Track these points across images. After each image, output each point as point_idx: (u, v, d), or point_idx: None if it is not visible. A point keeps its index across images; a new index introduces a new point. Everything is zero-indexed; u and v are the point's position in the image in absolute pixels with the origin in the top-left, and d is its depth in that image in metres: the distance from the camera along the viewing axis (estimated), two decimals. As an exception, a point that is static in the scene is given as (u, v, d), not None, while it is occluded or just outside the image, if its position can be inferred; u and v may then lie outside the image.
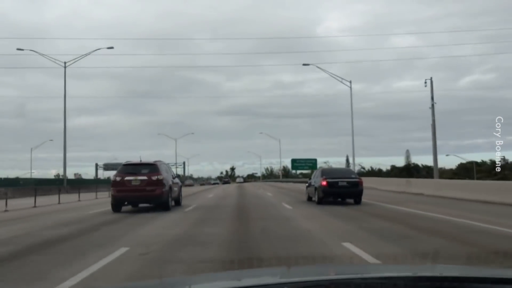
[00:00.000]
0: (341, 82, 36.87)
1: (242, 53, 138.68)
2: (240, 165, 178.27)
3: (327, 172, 16.97)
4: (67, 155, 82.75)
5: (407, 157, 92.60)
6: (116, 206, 13.27)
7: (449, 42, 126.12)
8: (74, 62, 39.61)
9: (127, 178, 13.19)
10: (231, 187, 47.94)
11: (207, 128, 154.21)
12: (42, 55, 38.18)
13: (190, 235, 8.26)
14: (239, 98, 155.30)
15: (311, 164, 66.39)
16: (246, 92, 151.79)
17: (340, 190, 16.50)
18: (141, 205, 14.18)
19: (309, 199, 18.16)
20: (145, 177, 13.01)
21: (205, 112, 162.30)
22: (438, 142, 33.91)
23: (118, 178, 13.50)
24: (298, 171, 79.56)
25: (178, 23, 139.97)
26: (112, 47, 39.40)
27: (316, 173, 17.67)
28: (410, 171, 74.02)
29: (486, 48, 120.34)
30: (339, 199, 16.85)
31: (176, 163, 69.16)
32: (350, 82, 37.53)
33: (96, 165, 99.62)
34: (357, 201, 16.33)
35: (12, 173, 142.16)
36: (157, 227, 9.78)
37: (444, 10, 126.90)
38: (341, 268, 2.55)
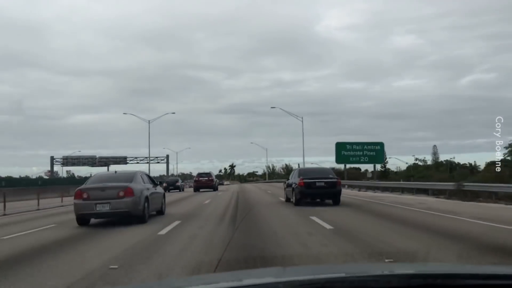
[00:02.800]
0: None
1: (241, 51, 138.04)
2: (240, 163, 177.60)
3: (304, 172, 16.48)
4: (64, 152, 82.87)
5: (435, 153, 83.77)
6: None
7: (449, 41, 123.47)
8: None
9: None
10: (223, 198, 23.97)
11: (207, 126, 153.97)
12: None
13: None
14: (238, 97, 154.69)
15: (375, 150, 40.27)
16: (246, 90, 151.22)
17: (318, 190, 16.27)
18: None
19: (288, 200, 17.92)
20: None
21: (204, 110, 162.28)
22: (437, 142, 33.52)
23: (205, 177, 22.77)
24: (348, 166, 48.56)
25: (177, 21, 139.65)
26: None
27: (294, 173, 17.22)
28: (438, 168, 66.68)
29: (486, 47, 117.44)
30: (318, 200, 16.67)
31: (149, 157, 60.05)
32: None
33: (52, 159, 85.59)
34: (336, 201, 15.94)
35: (12, 171, 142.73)
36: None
37: (444, 8, 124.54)
38: (336, 268, 2.59)
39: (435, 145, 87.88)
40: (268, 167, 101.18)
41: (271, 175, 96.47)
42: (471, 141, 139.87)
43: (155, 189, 13.61)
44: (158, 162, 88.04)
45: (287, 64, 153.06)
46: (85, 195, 11.59)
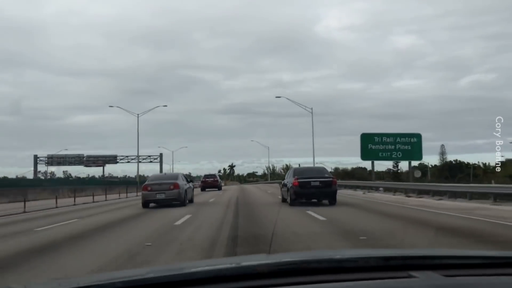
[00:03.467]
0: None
1: (240, 51, 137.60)
2: (240, 164, 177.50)
3: (299, 172, 16.52)
4: (64, 153, 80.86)
5: (442, 153, 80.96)
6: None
7: (449, 41, 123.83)
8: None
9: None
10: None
11: (206, 127, 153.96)
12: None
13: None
14: (238, 97, 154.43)
15: (410, 143, 34.33)
16: (245, 91, 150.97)
17: (313, 190, 16.61)
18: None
19: (284, 200, 18.40)
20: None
21: (204, 110, 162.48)
22: (437, 143, 32.46)
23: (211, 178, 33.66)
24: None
25: (175, 20, 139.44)
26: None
27: (289, 173, 17.15)
28: (452, 170, 61.88)
29: (487, 48, 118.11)
30: (314, 200, 16.97)
31: (138, 155, 54.45)
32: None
33: (35, 157, 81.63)
34: (331, 201, 15.93)
35: (11, 171, 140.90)
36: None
37: (444, 8, 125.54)
38: (318, 253, 2.61)
39: (442, 145, 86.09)
40: (269, 167, 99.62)
41: (271, 175, 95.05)
42: (471, 142, 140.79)
43: (189, 185, 20.01)
44: (151, 161, 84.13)
45: (286, 64, 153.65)
46: (149, 188, 18.07)
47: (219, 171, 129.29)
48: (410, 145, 33.94)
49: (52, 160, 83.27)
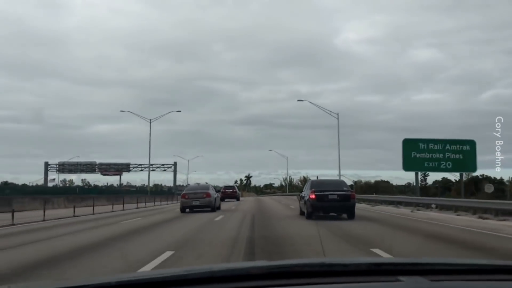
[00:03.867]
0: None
1: (259, 62, 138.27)
2: (257, 175, 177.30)
3: (316, 184, 16.35)
4: (76, 160, 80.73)
5: None
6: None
7: (470, 55, 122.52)
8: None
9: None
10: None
11: (224, 137, 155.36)
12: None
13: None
14: (255, 108, 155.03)
15: (462, 151, 29.96)
16: (263, 102, 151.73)
17: (330, 203, 16.58)
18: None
19: (302, 213, 18.44)
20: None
21: (222, 121, 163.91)
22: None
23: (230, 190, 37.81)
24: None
25: (195, 32, 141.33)
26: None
27: (307, 185, 16.97)
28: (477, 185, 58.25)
29: (508, 62, 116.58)
30: (332, 214, 16.94)
31: (149, 163, 57.14)
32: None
33: (46, 164, 79.91)
34: (350, 216, 16.12)
35: (28, 178, 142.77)
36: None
37: (465, 21, 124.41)
38: (317, 259, 2.78)
39: None
40: (286, 178, 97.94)
41: (289, 187, 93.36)
42: (491, 157, 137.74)
43: (217, 195, 24.51)
44: (164, 170, 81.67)
45: (304, 76, 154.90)
46: (186, 196, 22.17)
47: (236, 182, 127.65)
48: (462, 153, 29.62)
49: (64, 167, 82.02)
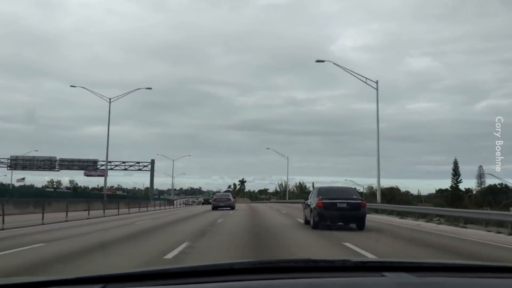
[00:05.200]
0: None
1: (255, 67, 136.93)
2: (251, 180, 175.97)
3: (324, 192, 15.51)
4: (32, 154, 74.46)
5: (480, 176, 72.80)
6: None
7: (465, 65, 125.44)
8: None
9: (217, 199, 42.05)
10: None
11: (219, 142, 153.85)
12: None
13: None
14: (251, 114, 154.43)
15: None
16: (258, 107, 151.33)
17: (339, 212, 15.93)
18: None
19: (307, 222, 18.13)
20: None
21: (217, 126, 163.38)
22: (449, 167, 30.92)
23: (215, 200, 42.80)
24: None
25: (191, 35, 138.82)
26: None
27: (313, 192, 16.00)
28: (496, 195, 57.38)
29: (504, 72, 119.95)
30: (340, 223, 16.59)
31: (107, 160, 49.36)
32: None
33: None
34: (360, 226, 16.50)
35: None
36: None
37: (461, 31, 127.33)
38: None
39: (480, 166, 77.54)
40: (286, 183, 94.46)
41: (285, 193, 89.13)
42: (486, 168, 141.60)
43: (233, 199, 41.68)
44: (139, 169, 70.90)
45: (300, 82, 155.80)
46: (216, 200, 39.82)
47: (229, 187, 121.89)
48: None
49: (16, 163, 70.88)
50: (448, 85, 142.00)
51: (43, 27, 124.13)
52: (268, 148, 70.78)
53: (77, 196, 46.23)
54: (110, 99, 43.46)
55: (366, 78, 32.31)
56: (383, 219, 23.50)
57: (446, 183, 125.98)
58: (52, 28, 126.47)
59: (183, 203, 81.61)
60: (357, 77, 32.04)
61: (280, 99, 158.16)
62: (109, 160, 63.09)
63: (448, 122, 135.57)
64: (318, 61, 32.72)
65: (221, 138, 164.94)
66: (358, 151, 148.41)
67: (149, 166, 68.72)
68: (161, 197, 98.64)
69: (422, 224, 20.26)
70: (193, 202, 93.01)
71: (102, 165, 70.21)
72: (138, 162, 69.72)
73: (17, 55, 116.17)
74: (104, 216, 25.99)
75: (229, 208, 35.78)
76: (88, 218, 23.03)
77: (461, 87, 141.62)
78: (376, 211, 29.39)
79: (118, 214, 29.22)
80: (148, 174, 68.42)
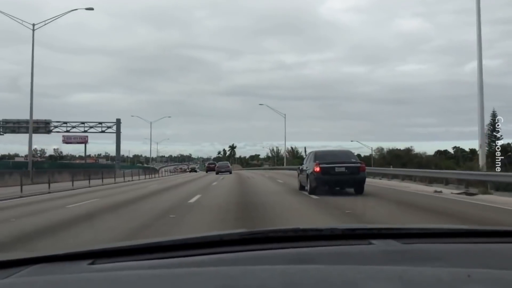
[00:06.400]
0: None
1: (243, 31, 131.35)
2: (242, 146, 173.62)
3: (321, 156, 15.31)
4: (62, 133, 62.48)
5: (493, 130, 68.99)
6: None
7: (455, 25, 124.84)
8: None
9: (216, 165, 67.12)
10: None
11: (208, 108, 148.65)
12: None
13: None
14: (240, 78, 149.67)
15: None
16: (247, 72, 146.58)
17: (337, 177, 15.69)
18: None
19: (302, 188, 18.21)
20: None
21: (205, 92, 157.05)
22: (439, 129, 31.12)
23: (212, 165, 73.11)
24: None
25: None
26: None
27: (309, 157, 16.04)
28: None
29: (493, 33, 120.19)
30: (337, 188, 16.48)
31: (32, 120, 46.46)
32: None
33: None
34: (359, 190, 16.22)
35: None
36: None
37: None
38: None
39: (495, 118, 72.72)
40: (273, 150, 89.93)
41: (277, 159, 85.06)
42: (473, 129, 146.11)
43: (230, 166, 62.59)
44: (103, 131, 59.09)
45: (289, 46, 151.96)
46: (218, 168, 54.17)
47: (219, 153, 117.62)
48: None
49: (5, 127, 60.10)
50: (437, 46, 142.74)
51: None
52: (261, 104, 65.52)
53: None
54: (33, 24, 35.26)
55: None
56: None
57: (439, 145, 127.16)
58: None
59: (172, 171, 76.99)
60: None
61: (269, 63, 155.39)
62: (66, 120, 57.10)
63: (437, 84, 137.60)
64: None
65: (210, 104, 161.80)
66: (348, 115, 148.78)
67: (114, 127, 57.17)
68: (145, 165, 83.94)
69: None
70: (186, 170, 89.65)
71: (56, 127, 60.38)
72: (100, 123, 58.14)
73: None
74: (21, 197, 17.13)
75: (228, 172, 49.41)
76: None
77: (450, 48, 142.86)
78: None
79: (49, 193, 19.46)
80: (141, 140, 65.23)
